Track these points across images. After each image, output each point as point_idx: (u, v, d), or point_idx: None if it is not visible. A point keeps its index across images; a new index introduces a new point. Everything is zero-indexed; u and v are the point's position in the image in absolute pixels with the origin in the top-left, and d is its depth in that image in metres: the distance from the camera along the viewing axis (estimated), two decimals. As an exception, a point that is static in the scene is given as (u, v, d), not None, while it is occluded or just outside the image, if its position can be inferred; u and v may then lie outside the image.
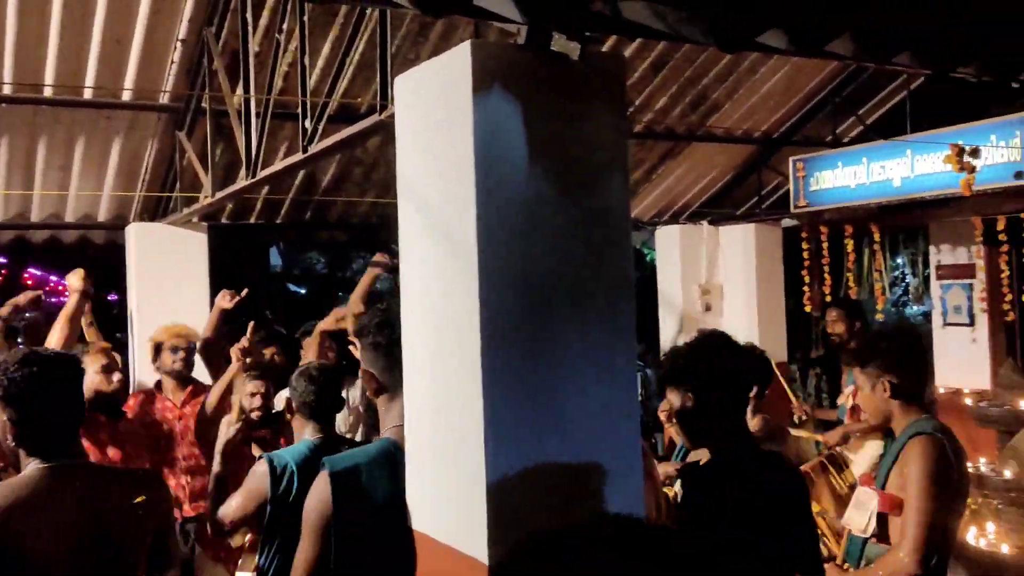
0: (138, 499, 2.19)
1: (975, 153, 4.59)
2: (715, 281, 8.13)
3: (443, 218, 2.21)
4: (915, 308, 12.95)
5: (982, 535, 4.19)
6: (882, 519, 2.94)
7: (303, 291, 12.48)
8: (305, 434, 3.18)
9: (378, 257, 5.00)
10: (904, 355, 3.05)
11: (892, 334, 3.24)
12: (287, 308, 11.27)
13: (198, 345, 4.72)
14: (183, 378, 4.69)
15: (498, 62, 2.09)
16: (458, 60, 2.09)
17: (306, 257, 12.26)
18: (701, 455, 2.68)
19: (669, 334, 8.01)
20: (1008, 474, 4.31)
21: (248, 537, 3.20)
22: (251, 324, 4.28)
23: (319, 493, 2.18)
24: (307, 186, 6.47)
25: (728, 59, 6.15)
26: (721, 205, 8.10)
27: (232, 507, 3.06)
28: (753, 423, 4.20)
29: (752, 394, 4.19)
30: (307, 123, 3.48)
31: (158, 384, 4.75)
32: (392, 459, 2.27)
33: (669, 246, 8.16)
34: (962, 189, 4.78)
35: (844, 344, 5.69)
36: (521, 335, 2.11)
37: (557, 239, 2.17)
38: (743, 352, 2.66)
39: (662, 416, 3.86)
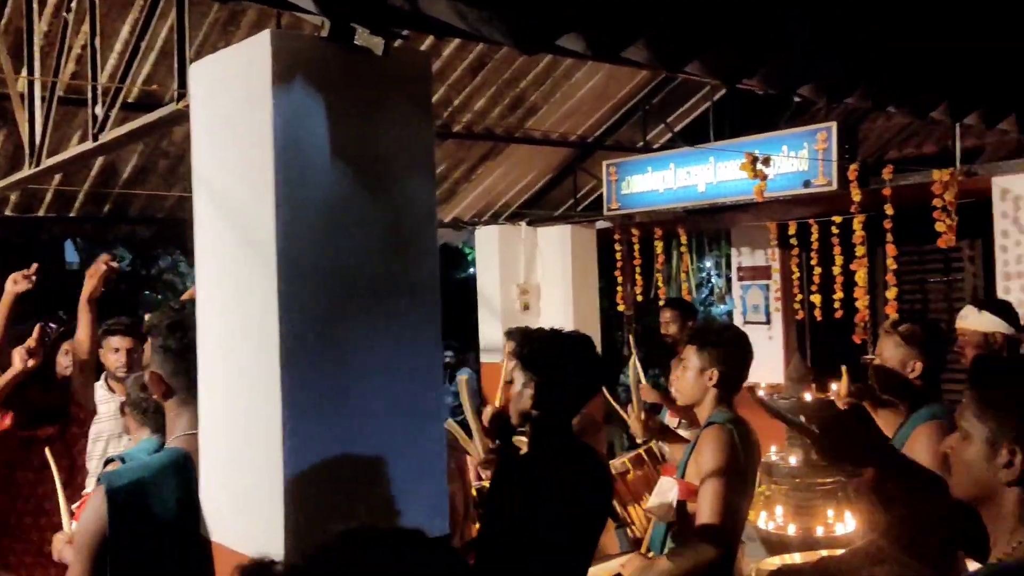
0: None
1: (767, 162, 4.91)
2: (533, 281, 8.29)
3: (240, 213, 2.12)
4: (720, 307, 13.73)
5: (771, 519, 4.47)
6: (683, 506, 3.08)
7: (104, 289, 11.67)
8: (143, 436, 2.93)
9: (99, 263, 4.50)
10: (740, 352, 3.21)
11: (735, 333, 3.38)
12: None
13: None
14: None
15: (299, 54, 2.03)
16: (257, 50, 2.01)
17: (108, 254, 11.54)
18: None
19: (489, 333, 8.10)
20: (793, 461, 4.62)
21: None
22: (38, 326, 3.96)
23: (94, 512, 2.00)
24: (106, 178, 6.07)
25: (545, 63, 6.29)
26: (539, 206, 8.27)
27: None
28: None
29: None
30: (98, 109, 3.26)
31: None
32: (181, 470, 2.13)
33: (488, 246, 8.25)
34: (755, 195, 5.11)
35: (675, 343, 5.94)
36: (322, 335, 2.06)
37: (361, 237, 2.13)
38: (597, 360, 2.69)
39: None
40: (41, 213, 6.13)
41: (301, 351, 2.01)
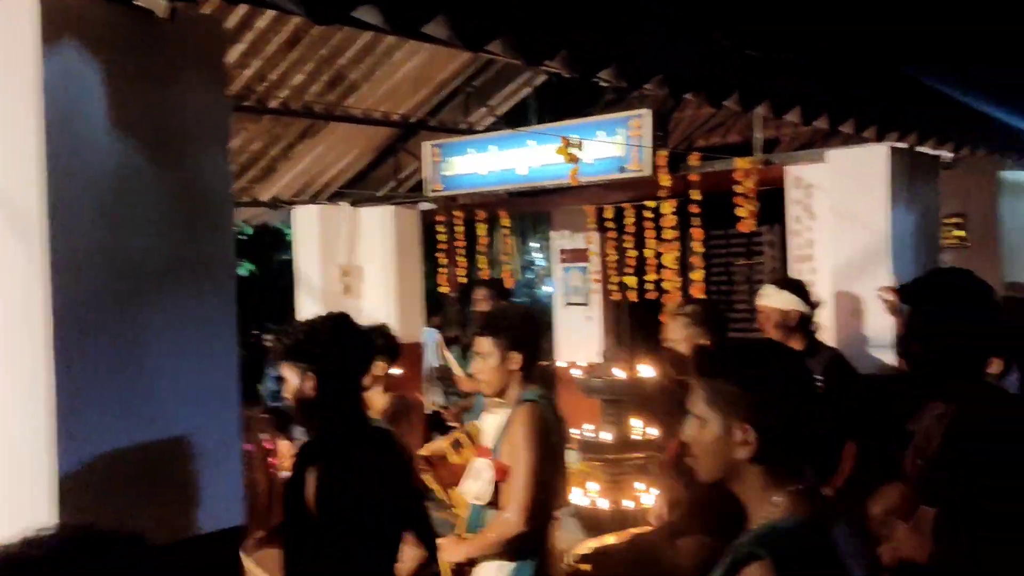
0: None
1: (580, 146, 5.02)
2: (355, 262, 8.14)
3: (4, 194, 1.93)
4: (544, 289, 14.04)
5: (586, 494, 4.62)
6: (499, 486, 3.11)
7: None
8: None
9: None
10: (532, 333, 3.26)
11: (522, 312, 3.44)
12: None
13: None
14: None
15: (71, 13, 1.87)
16: (20, 7, 1.84)
17: None
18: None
19: (307, 315, 7.91)
20: (607, 438, 4.79)
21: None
22: None
23: None
24: None
25: (365, 40, 6.16)
26: (362, 186, 8.12)
27: None
28: (383, 399, 4.26)
29: (382, 372, 4.25)
30: None
31: None
32: None
33: (308, 226, 8.03)
34: (570, 178, 5.22)
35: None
36: (104, 321, 1.92)
37: (149, 215, 2.01)
38: (364, 332, 2.65)
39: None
40: None
41: (79, 344, 1.87)
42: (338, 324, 2.56)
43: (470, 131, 7.50)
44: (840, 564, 1.50)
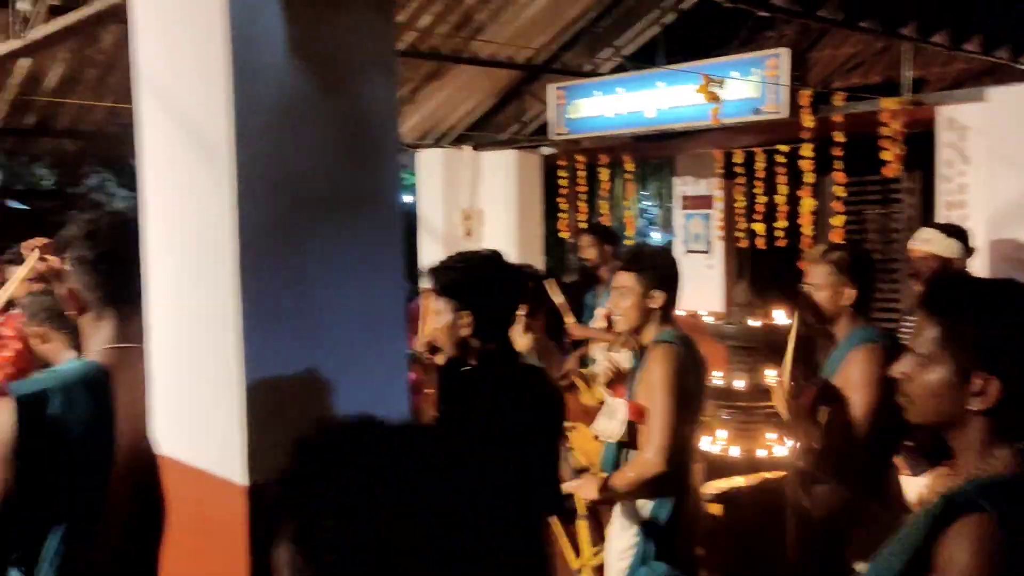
0: None
1: (721, 84, 4.87)
2: (476, 206, 8.20)
3: (191, 118, 1.99)
4: (659, 236, 13.84)
5: (715, 441, 4.56)
6: (633, 426, 3.11)
7: (26, 207, 11.25)
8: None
9: (32, 246, 4.08)
10: (674, 271, 3.23)
11: (666, 252, 3.40)
12: (6, 226, 10.09)
13: None
14: None
15: (255, -59, 1.89)
16: (208, -66, 1.87)
17: (30, 169, 11.02)
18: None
19: (429, 259, 8.03)
20: (739, 385, 4.70)
21: None
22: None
23: (2, 421, 1.89)
24: (30, 88, 5.74)
25: (493, -20, 6.11)
26: (484, 130, 8.13)
27: None
28: (524, 340, 4.29)
29: (524, 312, 4.28)
30: (22, 4, 3.03)
31: None
32: (94, 384, 2.00)
33: (431, 170, 8.11)
34: (711, 119, 5.07)
35: (594, 269, 5.95)
36: (280, 245, 1.96)
37: (320, 144, 2.03)
38: (517, 271, 2.67)
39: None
40: (-43, 123, 5.80)
41: (259, 259, 1.92)
42: (494, 262, 2.56)
43: (593, 73, 7.38)
44: None
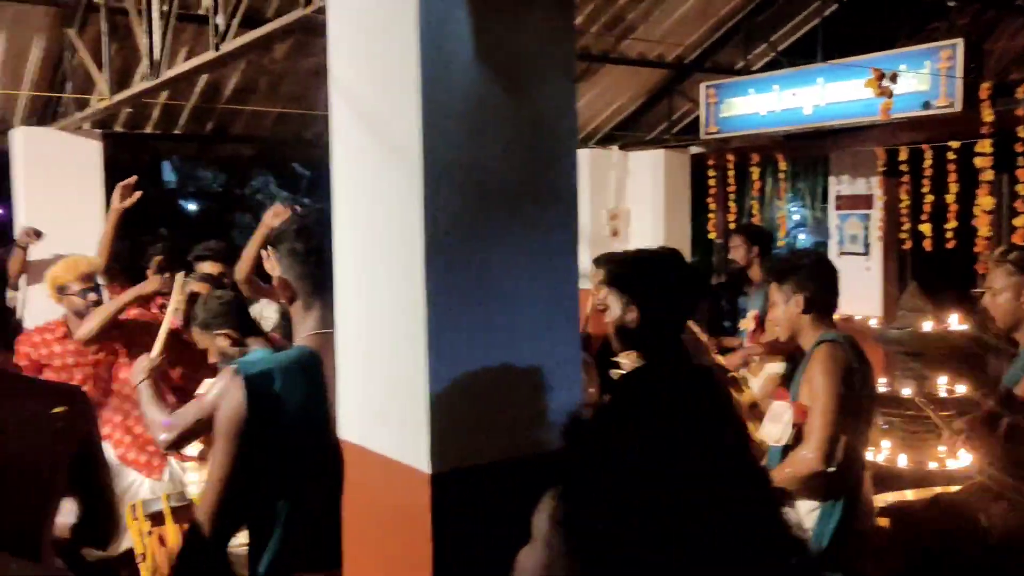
0: (56, 410, 2.02)
1: (894, 78, 4.67)
2: (623, 206, 8.18)
3: (381, 119, 2.09)
4: (809, 237, 13.40)
5: (879, 451, 4.39)
6: (799, 429, 3.05)
7: (196, 209, 12.02)
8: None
9: (273, 214, 4.24)
10: (818, 272, 3.17)
11: (807, 253, 3.37)
12: (180, 227, 10.81)
13: (100, 267, 4.45)
14: None
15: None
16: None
17: (201, 174, 11.76)
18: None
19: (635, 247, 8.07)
20: (905, 392, 4.51)
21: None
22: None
23: (231, 397, 2.06)
24: (209, 96, 6.13)
25: (644, -21, 6.09)
26: (631, 130, 8.10)
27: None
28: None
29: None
30: (219, 19, 3.25)
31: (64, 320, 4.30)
32: (308, 366, 2.16)
33: (579, 170, 8.12)
34: (880, 114, 4.88)
35: (743, 270, 5.83)
36: (464, 241, 2.03)
37: (503, 144, 2.08)
38: (692, 271, 2.67)
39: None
40: (148, 130, 6.24)
41: (444, 254, 1.99)
42: (665, 260, 2.57)
43: (745, 71, 7.22)
44: None
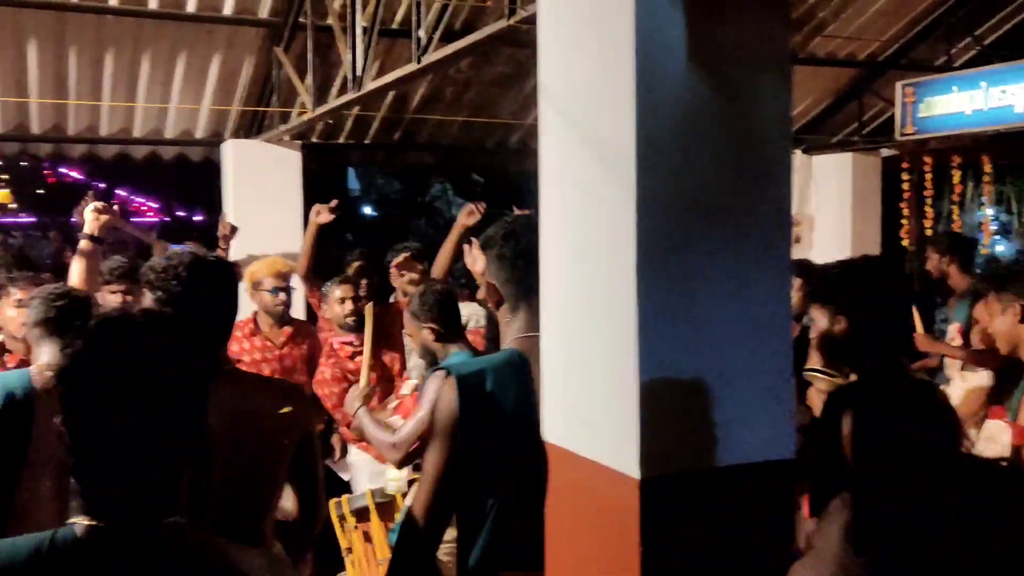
0: (284, 409, 2.17)
1: None
2: (805, 212, 7.88)
3: (594, 129, 2.10)
4: (1010, 246, 12.47)
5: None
6: (1018, 452, 2.85)
7: (376, 215, 12.54)
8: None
9: (468, 213, 4.41)
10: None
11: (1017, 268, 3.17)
12: (362, 232, 11.33)
13: (301, 274, 4.72)
14: (282, 318, 4.54)
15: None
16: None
17: (382, 181, 12.27)
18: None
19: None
20: None
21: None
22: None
23: (445, 398, 2.13)
24: (396, 107, 6.39)
25: (839, -25, 5.85)
26: (815, 132, 7.80)
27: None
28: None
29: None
30: (421, 32, 3.38)
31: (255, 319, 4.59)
32: (518, 368, 2.20)
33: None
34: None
35: (940, 280, 5.48)
36: (676, 250, 2.00)
37: (716, 151, 2.04)
38: (901, 280, 2.56)
39: None
40: (341, 140, 6.57)
41: (655, 263, 1.98)
42: (868, 270, 2.46)
43: (946, 68, 6.80)
44: None
